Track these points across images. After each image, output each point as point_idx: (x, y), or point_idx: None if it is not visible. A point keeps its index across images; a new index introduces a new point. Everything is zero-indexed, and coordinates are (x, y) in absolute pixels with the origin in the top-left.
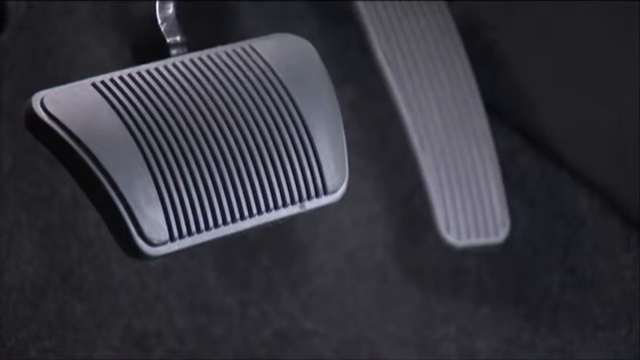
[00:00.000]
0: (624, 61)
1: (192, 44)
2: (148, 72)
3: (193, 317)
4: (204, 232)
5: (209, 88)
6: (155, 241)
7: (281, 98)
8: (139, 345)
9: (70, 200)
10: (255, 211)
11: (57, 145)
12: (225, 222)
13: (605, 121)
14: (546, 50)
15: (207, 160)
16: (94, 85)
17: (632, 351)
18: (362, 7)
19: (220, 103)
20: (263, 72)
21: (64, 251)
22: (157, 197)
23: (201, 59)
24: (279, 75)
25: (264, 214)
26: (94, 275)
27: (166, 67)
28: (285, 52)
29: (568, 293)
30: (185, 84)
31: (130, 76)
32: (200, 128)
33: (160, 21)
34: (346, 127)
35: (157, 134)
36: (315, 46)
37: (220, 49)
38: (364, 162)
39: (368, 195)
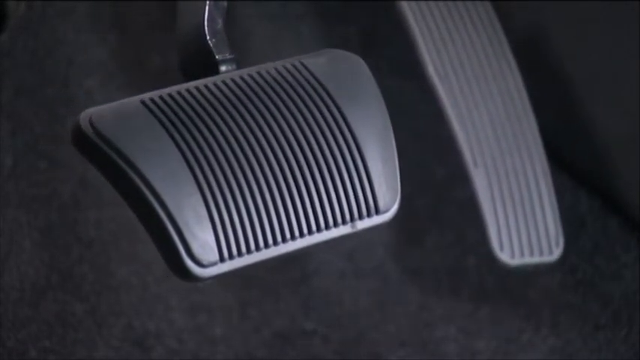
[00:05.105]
0: (624, 61)
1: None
2: (198, 89)
3: (193, 317)
4: (255, 253)
5: (259, 105)
6: (205, 262)
7: (332, 115)
8: (139, 345)
9: (70, 200)
10: (305, 231)
11: (104, 162)
12: (275, 242)
13: (605, 121)
14: (545, 49)
15: (257, 179)
16: (142, 102)
17: (632, 351)
18: (407, 10)
19: (271, 120)
20: (313, 88)
21: (64, 251)
22: (207, 217)
23: (250, 76)
24: (330, 91)
25: (315, 234)
26: (94, 275)
27: (216, 85)
28: (335, 68)
29: (568, 293)
30: (235, 101)
31: (179, 93)
32: (250, 146)
33: (208, 37)
34: None
35: (207, 153)
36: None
37: (270, 66)
38: None
39: None
